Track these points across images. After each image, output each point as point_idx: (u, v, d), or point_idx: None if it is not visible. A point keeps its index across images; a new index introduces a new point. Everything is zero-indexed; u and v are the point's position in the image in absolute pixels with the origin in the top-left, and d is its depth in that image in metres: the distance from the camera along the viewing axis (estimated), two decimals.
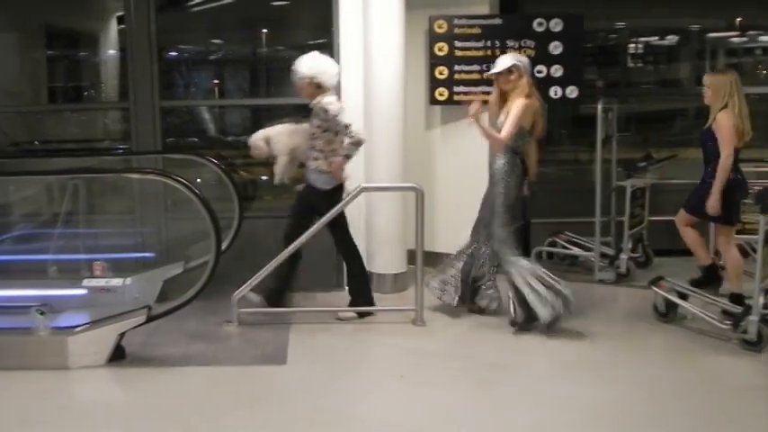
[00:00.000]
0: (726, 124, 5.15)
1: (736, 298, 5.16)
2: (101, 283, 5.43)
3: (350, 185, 5.51)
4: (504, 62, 5.27)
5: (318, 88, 5.30)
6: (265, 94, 7.56)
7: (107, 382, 4.64)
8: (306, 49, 7.40)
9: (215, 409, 4.10)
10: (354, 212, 6.07)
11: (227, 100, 7.83)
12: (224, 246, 5.27)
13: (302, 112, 7.11)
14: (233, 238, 5.83)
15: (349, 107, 6.16)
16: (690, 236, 5.64)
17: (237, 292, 5.37)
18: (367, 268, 5.78)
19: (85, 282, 5.48)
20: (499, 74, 5.26)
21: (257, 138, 5.56)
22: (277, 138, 5.56)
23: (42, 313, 4.89)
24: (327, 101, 5.28)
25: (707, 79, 5.44)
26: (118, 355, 4.76)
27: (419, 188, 5.33)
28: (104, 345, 4.72)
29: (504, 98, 5.32)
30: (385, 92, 6.05)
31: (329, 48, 6.36)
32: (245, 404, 4.17)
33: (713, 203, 5.20)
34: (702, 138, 5.40)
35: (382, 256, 6.24)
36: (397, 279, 6.23)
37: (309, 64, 5.33)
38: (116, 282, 5.40)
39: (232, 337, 5.26)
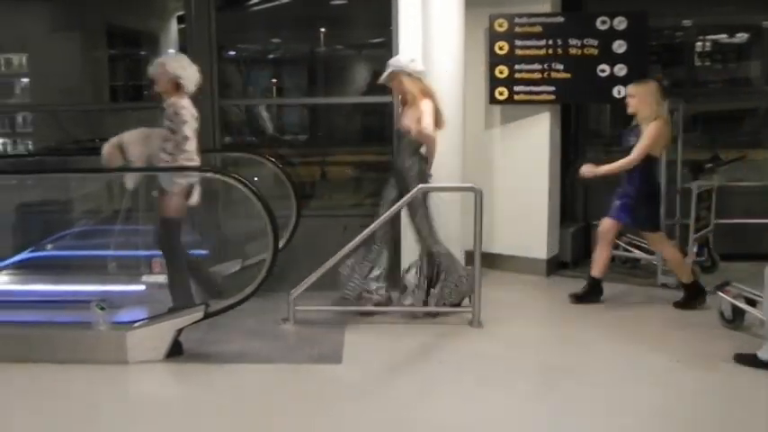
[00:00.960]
0: (654, 133, 5.40)
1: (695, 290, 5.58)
2: (159, 279, 5.54)
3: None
4: (385, 72, 5.41)
5: (177, 89, 5.18)
6: (323, 93, 7.61)
7: (164, 377, 4.72)
8: (364, 47, 7.52)
9: (269, 407, 4.15)
10: None
11: (285, 99, 7.90)
12: (281, 244, 5.32)
13: (360, 111, 7.19)
14: (290, 236, 5.89)
15: None
16: (611, 243, 5.82)
17: (294, 290, 5.42)
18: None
19: (144, 278, 5.59)
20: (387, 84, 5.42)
21: (110, 145, 5.29)
22: (131, 145, 5.31)
23: (102, 308, 5.00)
24: (183, 104, 5.13)
25: (631, 89, 5.60)
26: (175, 351, 4.84)
27: (478, 188, 5.30)
28: (162, 340, 4.81)
29: (404, 100, 5.46)
30: (444, 91, 5.99)
31: (388, 46, 6.38)
32: (300, 403, 4.21)
33: (592, 170, 5.56)
34: (623, 137, 5.65)
35: None
36: None
37: (179, 63, 5.24)
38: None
39: (288, 335, 5.32)
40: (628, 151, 5.56)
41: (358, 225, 5.53)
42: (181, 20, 7.37)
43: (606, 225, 5.77)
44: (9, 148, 8.30)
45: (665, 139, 5.61)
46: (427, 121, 5.23)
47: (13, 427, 3.94)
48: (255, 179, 5.94)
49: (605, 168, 5.59)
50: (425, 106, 5.29)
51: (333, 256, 5.40)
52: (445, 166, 6.04)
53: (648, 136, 5.46)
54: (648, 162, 5.56)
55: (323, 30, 7.72)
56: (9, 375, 4.60)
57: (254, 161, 6.27)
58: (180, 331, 4.84)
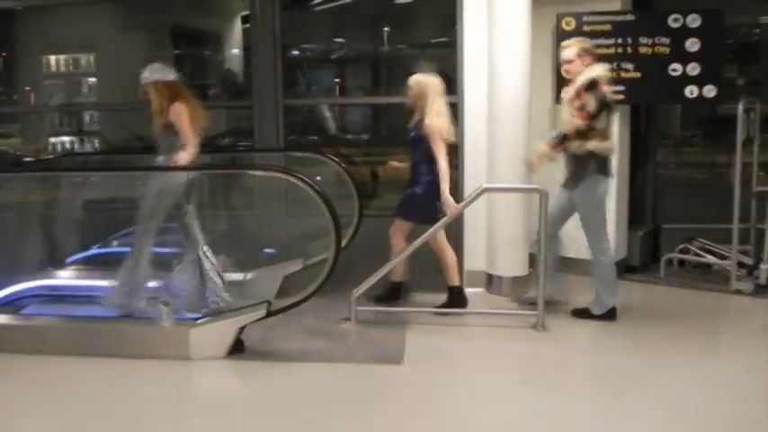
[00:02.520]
0: (435, 130, 5.37)
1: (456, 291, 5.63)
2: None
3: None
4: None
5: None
6: (386, 92, 7.67)
7: (226, 374, 4.83)
8: (428, 47, 7.55)
9: (330, 406, 4.21)
10: (476, 213, 6.11)
11: (348, 98, 7.99)
12: (343, 243, 5.39)
13: None
14: (352, 235, 5.97)
15: (471, 106, 6.23)
16: (400, 248, 5.66)
17: (356, 290, 5.50)
18: (487, 270, 5.77)
19: None
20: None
21: None
22: None
23: (166, 305, 5.15)
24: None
25: (411, 80, 5.55)
26: (237, 349, 4.95)
27: (543, 189, 5.29)
28: (224, 337, 4.92)
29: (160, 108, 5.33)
30: (509, 90, 6.04)
31: (452, 46, 6.41)
32: (360, 402, 4.26)
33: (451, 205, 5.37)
34: (413, 140, 5.53)
35: (503, 259, 6.24)
36: (517, 282, 6.21)
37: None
38: (237, 276, 5.61)
39: (349, 334, 5.39)
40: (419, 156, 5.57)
41: (422, 225, 5.56)
42: (245, 20, 7.50)
43: (396, 226, 5.75)
44: (76, 147, 8.57)
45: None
46: (184, 128, 5.22)
47: (77, 419, 4.09)
48: (318, 178, 6.04)
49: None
50: (174, 110, 5.26)
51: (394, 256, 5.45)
52: (510, 167, 6.05)
53: (437, 135, 5.42)
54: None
55: (387, 29, 7.77)
56: (75, 369, 4.78)
57: (316, 160, 6.36)
58: (242, 329, 4.95)
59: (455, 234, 6.26)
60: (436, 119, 5.45)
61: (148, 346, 4.95)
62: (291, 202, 6.47)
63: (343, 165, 6.22)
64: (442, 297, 5.77)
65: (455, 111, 6.26)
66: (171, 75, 5.41)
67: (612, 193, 6.48)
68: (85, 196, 6.91)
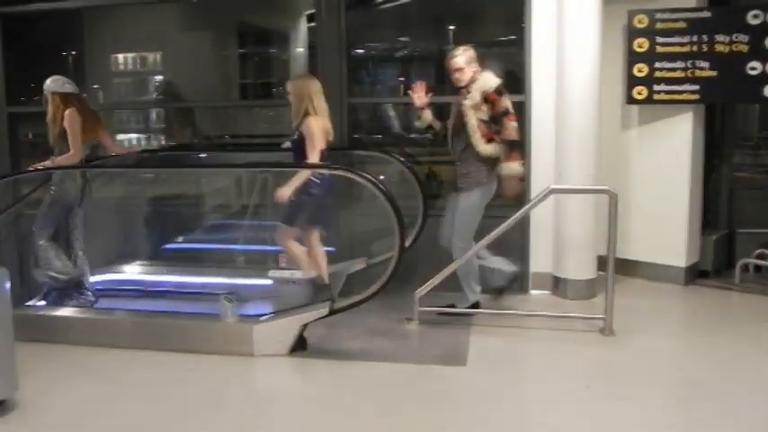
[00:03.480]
0: (315, 129, 5.37)
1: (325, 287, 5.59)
2: (286, 274, 5.76)
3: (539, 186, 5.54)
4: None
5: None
6: (450, 91, 7.67)
7: (288, 372, 4.91)
8: (495, 45, 7.54)
9: (391, 405, 4.25)
10: (543, 214, 6.09)
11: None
12: (407, 243, 5.44)
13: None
14: (416, 235, 6.00)
15: (539, 105, 6.22)
16: (296, 251, 5.66)
17: (419, 290, 5.53)
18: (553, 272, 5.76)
19: (271, 273, 5.83)
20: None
21: None
22: None
23: (230, 301, 5.26)
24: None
25: (288, 85, 5.62)
26: (300, 346, 5.04)
27: (613, 191, 5.25)
28: (287, 335, 5.01)
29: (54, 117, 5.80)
30: (579, 90, 6.00)
31: (519, 44, 6.40)
32: (422, 403, 4.28)
33: (284, 193, 5.28)
34: (294, 143, 5.56)
35: (570, 261, 6.21)
36: (585, 285, 6.18)
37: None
38: (300, 274, 5.70)
39: (412, 334, 5.43)
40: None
41: (486, 226, 5.58)
42: (310, 18, 7.60)
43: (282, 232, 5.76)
44: (143, 143, 8.80)
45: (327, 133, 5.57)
46: (73, 132, 5.67)
47: (143, 412, 4.22)
48: (381, 177, 6.09)
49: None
50: (66, 118, 5.70)
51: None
52: (578, 168, 6.02)
53: (315, 135, 5.40)
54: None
55: (452, 27, 7.77)
56: (140, 362, 4.93)
57: (380, 159, 6.42)
58: (305, 326, 5.03)
59: (521, 235, 6.26)
60: (313, 119, 5.45)
61: (212, 341, 5.07)
62: (355, 200, 6.54)
63: (407, 164, 6.26)
64: (509, 298, 5.76)
65: (522, 110, 6.27)
66: (69, 87, 5.88)
67: (685, 196, 6.43)
68: (153, 193, 7.10)
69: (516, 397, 4.39)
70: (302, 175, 5.39)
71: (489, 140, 5.40)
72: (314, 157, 5.39)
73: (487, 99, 5.34)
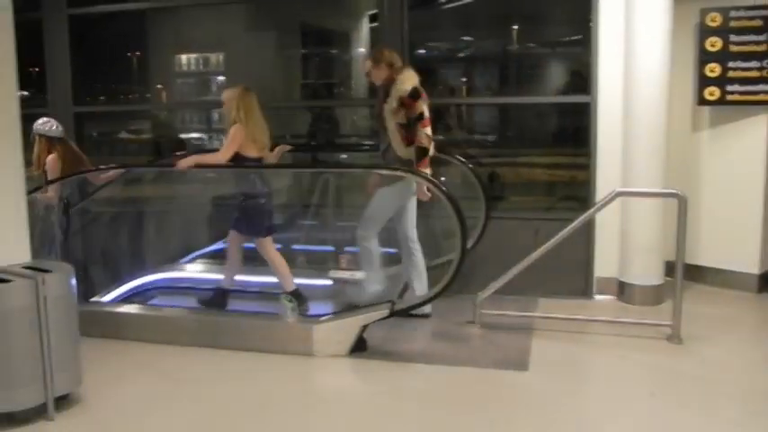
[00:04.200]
0: (234, 135, 5.50)
1: (296, 294, 5.66)
2: (346, 275, 5.81)
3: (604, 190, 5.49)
4: None
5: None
6: (515, 92, 7.65)
7: (348, 372, 4.94)
8: (560, 45, 7.48)
9: (451, 409, 4.25)
10: (608, 217, 6.02)
11: (475, 98, 8.01)
12: (469, 245, 5.44)
13: (554, 111, 7.17)
14: (478, 237, 6.00)
15: (605, 106, 6.16)
16: (236, 254, 5.91)
17: (481, 293, 5.53)
18: (619, 277, 5.71)
19: (332, 273, 5.88)
20: None
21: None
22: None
23: (291, 301, 5.34)
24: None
25: (223, 96, 5.74)
26: (360, 347, 5.08)
27: (682, 195, 5.17)
28: (347, 335, 5.06)
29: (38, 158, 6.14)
30: (648, 90, 5.92)
31: (585, 44, 6.35)
32: (483, 408, 4.28)
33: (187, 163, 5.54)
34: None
35: (637, 266, 6.12)
36: (652, 291, 6.09)
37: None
38: (361, 275, 5.74)
39: (473, 338, 5.42)
40: None
41: (550, 229, 5.55)
42: (373, 18, 7.65)
43: (230, 237, 5.90)
44: (205, 143, 8.97)
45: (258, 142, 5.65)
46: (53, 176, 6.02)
47: (201, 410, 4.30)
48: (443, 179, 6.11)
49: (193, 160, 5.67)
50: (48, 162, 6.06)
51: (522, 259, 5.45)
52: (646, 171, 5.94)
53: (231, 139, 5.50)
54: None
55: (515, 27, 7.75)
56: (201, 360, 5.03)
57: (442, 160, 6.42)
58: (365, 327, 5.07)
59: (585, 238, 6.21)
60: (237, 128, 5.56)
61: (272, 341, 5.14)
62: (417, 202, 6.55)
63: (470, 165, 6.25)
64: (573, 303, 5.70)
65: (588, 111, 6.22)
66: (56, 131, 6.18)
67: (759, 201, 6.29)
68: (215, 192, 7.23)
69: (578, 404, 4.35)
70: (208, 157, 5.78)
71: (409, 143, 5.39)
72: (223, 157, 5.55)
73: (403, 103, 5.33)
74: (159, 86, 8.91)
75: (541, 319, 5.67)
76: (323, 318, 5.17)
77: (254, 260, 5.96)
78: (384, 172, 5.71)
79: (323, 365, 4.97)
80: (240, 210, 5.83)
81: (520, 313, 5.67)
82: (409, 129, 5.36)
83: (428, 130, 5.35)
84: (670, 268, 5.58)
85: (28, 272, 4.09)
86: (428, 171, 5.31)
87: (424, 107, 5.35)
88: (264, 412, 4.24)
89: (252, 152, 5.62)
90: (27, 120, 5.00)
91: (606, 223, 6.16)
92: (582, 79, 6.40)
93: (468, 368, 4.86)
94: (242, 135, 5.55)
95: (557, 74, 7.60)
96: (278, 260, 5.74)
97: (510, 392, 4.50)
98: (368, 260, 5.59)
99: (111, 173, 6.24)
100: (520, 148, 7.53)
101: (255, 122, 5.65)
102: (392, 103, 5.39)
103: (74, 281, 4.23)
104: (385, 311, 5.03)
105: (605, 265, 6.28)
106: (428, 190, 5.20)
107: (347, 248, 6.21)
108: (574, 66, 6.98)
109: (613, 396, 4.48)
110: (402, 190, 5.52)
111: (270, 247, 5.74)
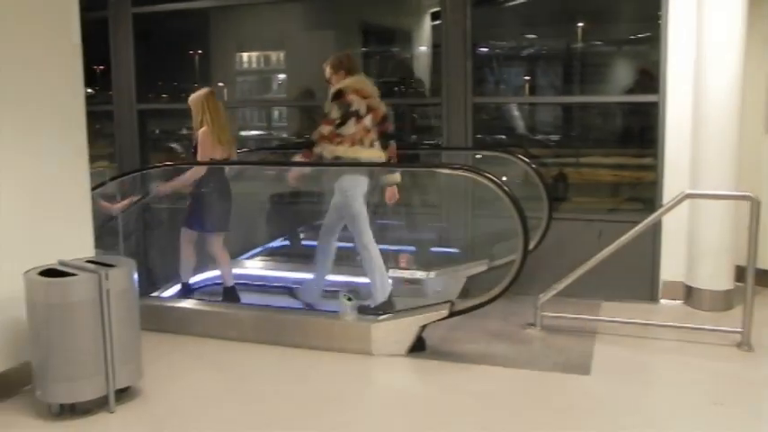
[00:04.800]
0: (203, 140, 5.83)
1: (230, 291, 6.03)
2: (405, 274, 5.82)
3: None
4: None
5: None
6: (579, 91, 7.57)
7: (406, 372, 4.95)
8: (626, 43, 7.38)
9: (512, 412, 4.22)
10: (676, 220, 5.91)
11: (539, 97, 7.95)
12: (531, 246, 5.39)
13: (619, 111, 7.07)
14: (540, 238, 5.94)
15: (674, 105, 6.06)
16: (190, 254, 6.16)
17: (542, 294, 5.48)
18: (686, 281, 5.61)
19: (391, 272, 5.89)
20: None
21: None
22: None
23: (350, 299, 5.36)
24: None
25: (189, 99, 6.01)
26: (418, 347, 5.07)
27: (755, 198, 5.04)
28: (406, 335, 5.06)
29: None
30: (719, 89, 5.79)
31: (653, 42, 6.24)
32: (543, 411, 4.24)
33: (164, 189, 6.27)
34: (193, 153, 5.99)
35: (705, 270, 6.00)
36: (721, 296, 5.96)
37: None
38: (420, 274, 5.75)
39: (534, 340, 5.38)
40: None
41: (614, 231, 5.47)
42: (435, 16, 7.64)
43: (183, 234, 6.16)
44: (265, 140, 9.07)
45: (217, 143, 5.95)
46: None
47: (261, 406, 4.35)
48: (504, 178, 6.08)
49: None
50: None
51: (585, 261, 5.39)
52: (716, 172, 5.82)
53: (202, 145, 5.84)
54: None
55: (581, 24, 7.66)
56: (261, 356, 5.09)
57: (504, 160, 6.39)
58: (424, 327, 5.06)
59: (652, 241, 6.11)
60: (205, 131, 5.88)
61: (332, 338, 5.17)
62: (477, 202, 6.54)
63: (533, 165, 6.21)
64: (638, 307, 5.62)
65: (656, 111, 6.11)
66: None
67: None
68: (275, 189, 7.30)
69: (641, 411, 4.26)
70: (183, 178, 6.05)
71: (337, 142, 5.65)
72: (200, 168, 5.92)
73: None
74: (220, 84, 9.03)
75: (605, 322, 5.59)
76: (382, 317, 5.18)
77: (305, 257, 6.02)
78: (445, 171, 5.70)
79: (381, 364, 4.98)
80: (190, 206, 6.17)
81: (582, 316, 5.61)
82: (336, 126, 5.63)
83: (323, 129, 5.61)
84: (740, 273, 5.45)
85: (91, 266, 4.18)
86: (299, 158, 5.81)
87: (335, 108, 5.59)
88: (323, 410, 4.27)
89: (218, 153, 5.96)
90: (92, 117, 5.11)
91: (673, 225, 6.05)
92: (649, 78, 6.29)
93: (528, 371, 4.82)
94: (210, 138, 5.90)
95: (623, 72, 7.48)
96: (225, 258, 6.14)
97: (571, 397, 4.45)
98: (370, 265, 5.67)
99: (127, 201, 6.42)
100: (584, 148, 7.45)
101: (220, 124, 5.98)
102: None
103: (136, 275, 4.31)
104: (444, 312, 5.02)
105: (672, 268, 6.17)
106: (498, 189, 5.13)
107: (407, 248, 6.21)
108: (641, 64, 6.87)
109: (678, 404, 4.40)
110: (350, 185, 5.71)
111: (217, 246, 6.10)
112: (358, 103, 5.62)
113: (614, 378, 4.72)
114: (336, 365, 4.92)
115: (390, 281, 5.69)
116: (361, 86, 5.72)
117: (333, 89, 5.67)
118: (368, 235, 5.65)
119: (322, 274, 5.96)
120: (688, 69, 5.99)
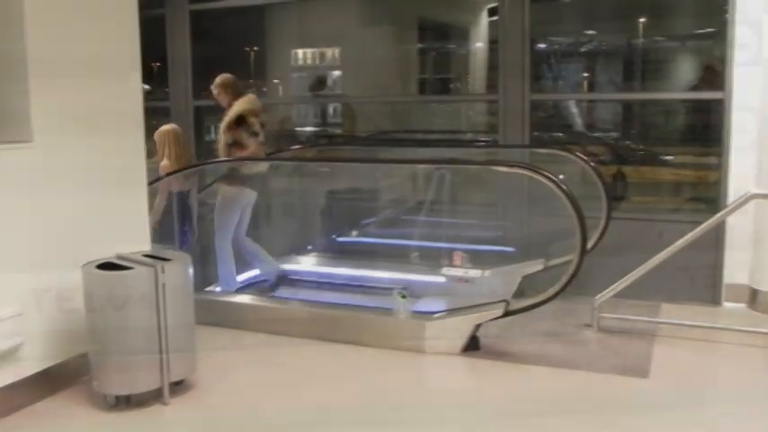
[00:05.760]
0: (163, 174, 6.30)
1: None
2: (460, 272, 5.81)
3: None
4: None
5: None
6: (640, 88, 7.47)
7: (460, 371, 4.95)
8: (690, 38, 7.25)
9: (568, 414, 4.19)
10: (741, 221, 5.80)
11: (598, 94, 7.86)
12: (589, 246, 5.33)
13: (682, 108, 6.97)
14: (598, 238, 5.87)
15: (741, 103, 5.94)
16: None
17: (599, 295, 5.42)
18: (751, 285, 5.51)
19: (445, 270, 5.89)
20: None
21: None
22: None
23: (404, 296, 5.37)
24: None
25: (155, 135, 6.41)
26: (472, 346, 5.07)
27: None
28: (460, 334, 5.05)
29: None
30: None
31: (718, 37, 6.13)
32: (600, 414, 4.20)
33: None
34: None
35: None
36: None
37: None
38: (475, 273, 5.73)
39: (590, 341, 5.33)
40: None
41: (675, 231, 5.38)
42: (492, 12, 7.61)
43: None
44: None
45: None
46: None
47: (312, 402, 4.38)
48: (561, 177, 6.03)
49: None
50: None
51: (645, 262, 5.32)
52: None
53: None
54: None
55: (642, 19, 7.56)
56: (313, 352, 5.14)
57: (562, 158, 6.33)
58: (478, 326, 5.05)
59: (715, 242, 5.99)
60: (165, 165, 6.37)
61: (385, 336, 5.19)
62: (534, 200, 6.49)
63: (591, 164, 6.13)
64: (700, 310, 5.58)
65: (721, 107, 6.00)
66: None
67: None
68: (329, 186, 7.36)
69: (701, 416, 4.19)
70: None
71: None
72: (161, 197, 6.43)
73: (229, 127, 6.30)
74: (276, 81, 9.11)
75: (664, 324, 5.51)
76: (436, 315, 5.18)
77: (367, 254, 6.05)
78: (503, 169, 5.67)
79: (435, 363, 4.98)
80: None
81: (641, 318, 5.53)
82: (231, 147, 6.30)
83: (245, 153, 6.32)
84: None
85: (148, 260, 4.26)
86: (231, 189, 6.43)
87: (244, 135, 6.27)
88: (376, 407, 4.29)
89: (175, 186, 6.46)
90: (149, 113, 5.21)
91: (738, 227, 5.92)
92: (714, 74, 6.17)
93: (584, 372, 4.78)
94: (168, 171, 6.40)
95: (686, 68, 7.36)
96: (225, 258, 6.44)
97: (627, 400, 4.40)
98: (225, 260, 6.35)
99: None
100: (644, 146, 7.36)
101: (179, 158, 6.46)
102: (225, 121, 6.34)
103: (191, 270, 4.39)
104: (499, 311, 5.00)
105: (736, 271, 6.04)
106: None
107: (461, 246, 6.19)
108: (705, 60, 6.74)
109: (741, 411, 4.28)
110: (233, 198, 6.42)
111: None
112: (256, 125, 6.36)
113: (673, 382, 4.64)
114: (389, 363, 4.94)
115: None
116: (254, 106, 6.44)
117: (232, 115, 6.29)
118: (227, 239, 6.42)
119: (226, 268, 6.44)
120: (756, 66, 5.85)
